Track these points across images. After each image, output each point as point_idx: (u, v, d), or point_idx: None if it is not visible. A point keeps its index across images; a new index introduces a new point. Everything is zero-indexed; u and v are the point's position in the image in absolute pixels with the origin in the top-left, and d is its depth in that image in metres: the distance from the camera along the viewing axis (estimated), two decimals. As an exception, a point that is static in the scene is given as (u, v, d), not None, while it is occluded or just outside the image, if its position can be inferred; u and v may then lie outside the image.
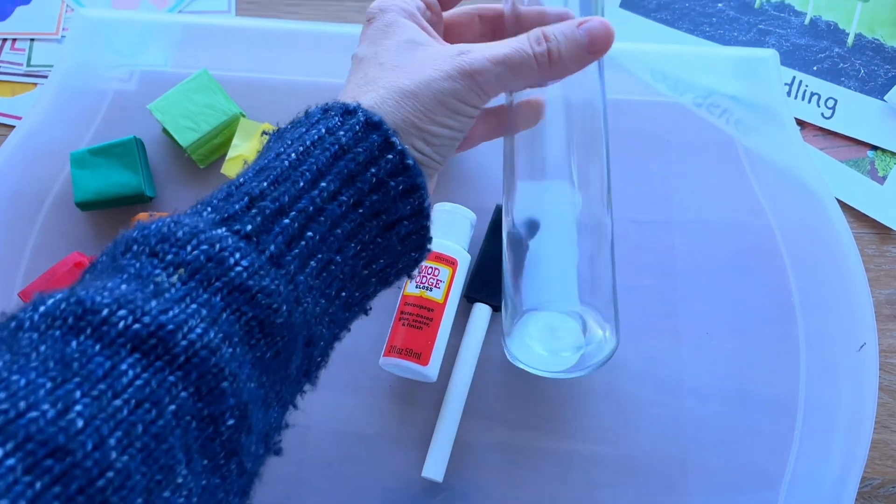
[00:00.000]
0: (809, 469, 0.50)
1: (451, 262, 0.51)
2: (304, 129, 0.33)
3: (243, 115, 0.56)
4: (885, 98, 0.62)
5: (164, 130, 0.56)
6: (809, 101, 0.62)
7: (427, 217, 0.35)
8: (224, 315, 0.28)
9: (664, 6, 0.64)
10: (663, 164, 0.58)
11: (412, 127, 0.34)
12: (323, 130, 0.33)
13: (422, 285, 0.50)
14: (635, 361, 0.53)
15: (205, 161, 0.57)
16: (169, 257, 0.28)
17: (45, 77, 0.61)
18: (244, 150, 0.54)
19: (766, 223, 0.57)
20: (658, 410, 0.52)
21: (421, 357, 0.48)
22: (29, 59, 0.62)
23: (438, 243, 0.51)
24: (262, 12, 0.63)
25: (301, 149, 0.32)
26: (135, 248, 0.29)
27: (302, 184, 0.31)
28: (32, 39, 0.62)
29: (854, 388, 0.52)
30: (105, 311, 0.26)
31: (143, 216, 0.52)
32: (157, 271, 0.28)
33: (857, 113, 0.61)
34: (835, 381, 0.52)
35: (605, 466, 0.51)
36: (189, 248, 0.28)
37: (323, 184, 0.32)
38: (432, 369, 0.49)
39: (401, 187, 0.33)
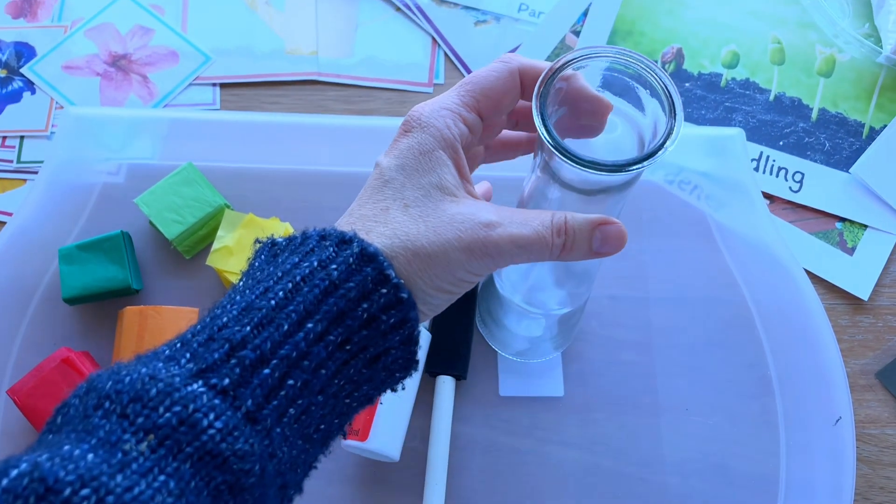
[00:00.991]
0: (792, 545, 0.51)
1: None
2: (297, 259, 0.32)
3: (228, 207, 0.58)
4: (850, 170, 0.64)
5: (151, 223, 0.58)
6: (777, 176, 0.64)
7: (415, 343, 0.34)
8: (193, 483, 0.27)
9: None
10: (638, 239, 0.60)
11: (415, 286, 0.33)
12: (315, 263, 0.32)
13: None
14: (616, 438, 0.54)
15: (190, 252, 0.58)
16: (140, 420, 0.28)
17: (35, 172, 0.63)
18: (229, 241, 0.55)
19: (740, 297, 0.58)
20: (640, 488, 0.53)
21: (359, 433, 0.49)
22: (19, 155, 0.63)
23: None
24: (245, 104, 0.66)
25: (290, 285, 0.31)
26: (107, 405, 0.28)
27: (287, 327, 0.30)
28: (22, 137, 0.64)
29: (833, 462, 0.52)
30: (68, 491, 0.25)
31: (130, 310, 0.53)
32: (127, 436, 0.27)
33: (824, 186, 0.63)
34: (813, 454, 0.53)
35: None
36: (161, 409, 0.28)
37: (309, 325, 0.31)
38: (374, 444, 0.49)
39: (392, 321, 0.32)
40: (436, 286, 0.34)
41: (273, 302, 0.31)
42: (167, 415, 0.28)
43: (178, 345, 0.31)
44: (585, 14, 0.70)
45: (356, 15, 0.70)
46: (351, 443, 0.49)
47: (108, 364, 0.54)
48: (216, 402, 0.29)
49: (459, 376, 0.54)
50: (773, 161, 0.64)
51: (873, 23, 0.70)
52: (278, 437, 0.30)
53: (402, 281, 0.32)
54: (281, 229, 0.56)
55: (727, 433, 0.54)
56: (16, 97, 0.65)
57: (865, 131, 0.65)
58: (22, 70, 0.66)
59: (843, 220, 0.62)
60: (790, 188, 0.63)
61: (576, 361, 0.56)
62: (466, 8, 0.70)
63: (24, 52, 0.67)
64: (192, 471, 0.27)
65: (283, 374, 0.30)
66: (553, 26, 0.69)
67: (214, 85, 0.67)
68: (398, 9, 0.70)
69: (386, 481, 0.52)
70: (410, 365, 0.35)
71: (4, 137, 0.64)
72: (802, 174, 0.64)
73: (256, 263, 0.34)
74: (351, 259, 0.32)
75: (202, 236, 0.58)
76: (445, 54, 0.69)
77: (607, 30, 0.69)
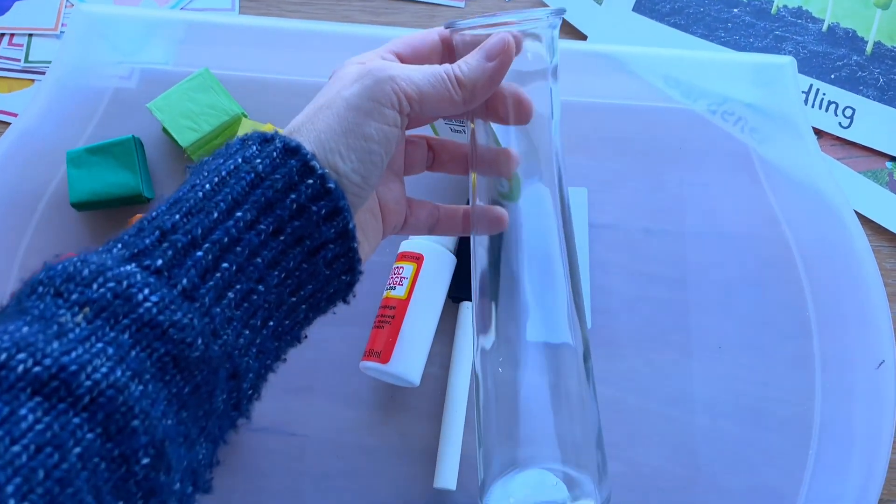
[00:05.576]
0: (825, 491, 0.49)
1: (416, 258, 0.50)
2: (221, 161, 0.33)
3: (245, 116, 0.55)
4: (904, 108, 0.60)
5: (164, 130, 0.55)
6: (827, 110, 0.60)
7: (353, 239, 0.34)
8: (133, 353, 0.27)
9: (678, 10, 0.63)
10: (676, 172, 0.57)
11: (329, 142, 0.34)
12: (239, 160, 0.32)
13: (388, 286, 0.50)
14: (644, 375, 0.52)
15: (205, 162, 0.55)
16: (74, 296, 0.28)
17: (43, 73, 0.60)
18: (245, 151, 0.52)
19: (781, 235, 0.55)
20: (667, 426, 0.51)
21: (381, 356, 0.47)
22: (27, 54, 0.60)
23: (407, 243, 0.51)
24: (265, 10, 0.62)
25: (216, 179, 0.32)
26: (39, 289, 0.28)
27: (216, 214, 0.31)
28: (31, 35, 0.61)
29: (872, 407, 0.50)
30: (3, 356, 0.25)
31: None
32: (62, 311, 0.27)
33: (875, 123, 0.60)
34: (851, 399, 0.51)
35: (613, 484, 0.49)
36: (95, 286, 0.28)
37: (239, 213, 0.31)
38: (396, 367, 0.47)
39: (323, 211, 0.33)
40: (346, 129, 0.34)
41: (200, 193, 0.31)
42: (101, 290, 0.28)
43: (111, 241, 0.31)
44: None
45: (386, -78, 0.66)
46: (371, 364, 0.47)
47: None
48: (151, 279, 0.29)
49: (484, 303, 0.52)
50: (823, 95, 0.61)
51: (938, -47, 0.65)
52: (219, 316, 0.30)
53: (328, 171, 0.33)
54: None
55: (760, 374, 0.52)
56: (24, -7, 0.62)
57: (922, 68, 0.62)
58: (31, -35, 0.63)
59: (894, 159, 0.59)
60: (840, 124, 0.60)
61: (604, 295, 0.53)
62: (503, -81, 0.66)
63: (34, -55, 0.64)
64: (132, 341, 0.27)
65: (216, 257, 0.30)
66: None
67: (234, -11, 0.63)
68: (431, -83, 0.66)
69: (404, 406, 0.50)
70: (353, 266, 0.35)
71: (12, 35, 0.61)
72: (853, 110, 0.60)
73: (187, 177, 0.34)
74: (275, 153, 0.32)
75: (217, 146, 0.54)
76: (479, -32, 0.64)
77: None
